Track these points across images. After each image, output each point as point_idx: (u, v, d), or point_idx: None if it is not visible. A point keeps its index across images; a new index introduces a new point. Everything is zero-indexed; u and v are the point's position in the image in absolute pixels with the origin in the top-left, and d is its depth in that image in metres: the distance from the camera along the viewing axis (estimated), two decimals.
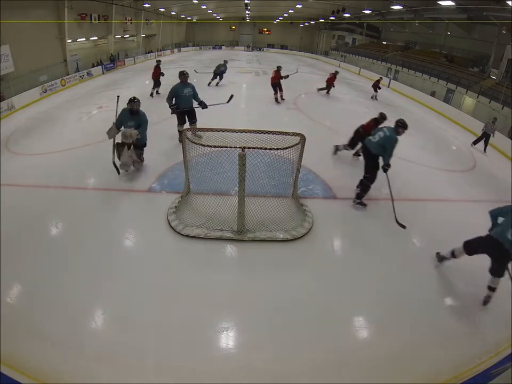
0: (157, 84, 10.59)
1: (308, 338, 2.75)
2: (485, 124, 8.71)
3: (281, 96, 10.46)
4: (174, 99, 6.00)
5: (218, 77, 12.33)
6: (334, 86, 12.07)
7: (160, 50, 27.53)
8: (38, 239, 3.78)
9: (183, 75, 5.97)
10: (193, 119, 6.28)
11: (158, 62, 10.78)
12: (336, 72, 12.00)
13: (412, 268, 3.65)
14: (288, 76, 10.41)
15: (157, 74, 10.48)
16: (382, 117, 5.71)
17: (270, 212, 4.04)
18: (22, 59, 11.70)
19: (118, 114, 4.96)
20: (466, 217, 4.84)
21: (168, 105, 6.07)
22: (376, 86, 12.58)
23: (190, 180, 4.38)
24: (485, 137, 8.39)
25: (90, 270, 3.33)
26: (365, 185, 4.51)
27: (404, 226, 4.13)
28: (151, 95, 10.60)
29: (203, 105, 6.22)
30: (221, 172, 4.23)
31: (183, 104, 6.05)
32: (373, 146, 4.33)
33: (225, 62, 12.50)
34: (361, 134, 5.59)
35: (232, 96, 6.72)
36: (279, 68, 10.12)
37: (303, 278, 3.38)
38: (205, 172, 4.27)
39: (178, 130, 6.35)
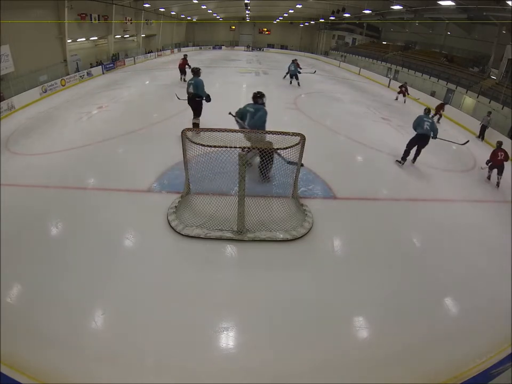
0: (183, 72, 13.02)
1: (308, 338, 2.75)
2: (482, 118, 9.70)
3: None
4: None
5: (294, 77, 13.34)
6: (443, 111, 11.03)
7: (160, 50, 27.51)
8: (38, 239, 3.78)
9: (199, 70, 6.53)
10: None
11: (185, 55, 13.33)
12: (445, 103, 11.21)
13: (412, 267, 3.65)
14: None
15: (184, 65, 12.89)
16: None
17: (270, 212, 4.04)
18: (22, 59, 11.68)
19: (253, 114, 4.70)
20: (465, 217, 4.85)
21: (205, 98, 6.51)
22: (439, 109, 10.85)
23: (190, 179, 4.38)
24: (482, 129, 9.53)
25: (90, 270, 3.33)
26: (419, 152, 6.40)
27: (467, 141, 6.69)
28: (182, 79, 13.02)
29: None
30: (221, 172, 4.23)
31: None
32: (430, 132, 6.12)
33: (294, 61, 13.33)
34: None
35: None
36: (295, 60, 14.00)
37: (303, 278, 3.38)
38: (205, 172, 4.27)
39: (196, 123, 6.69)
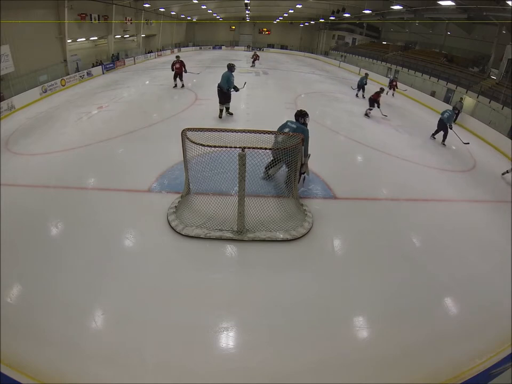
0: (180, 75, 11.70)
1: (308, 338, 2.75)
2: (455, 103, 11.48)
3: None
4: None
5: (361, 89, 12.78)
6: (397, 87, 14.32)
7: (160, 50, 27.51)
8: (38, 239, 3.78)
9: (233, 66, 7.73)
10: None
11: (178, 57, 11.82)
12: (395, 79, 13.98)
13: (411, 267, 3.65)
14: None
15: (181, 68, 11.64)
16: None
17: (270, 212, 4.04)
18: (22, 59, 11.67)
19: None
20: (466, 217, 4.85)
21: (226, 89, 7.71)
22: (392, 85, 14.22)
23: (190, 179, 4.38)
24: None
25: (90, 270, 3.33)
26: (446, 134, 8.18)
27: (467, 143, 8.08)
28: (181, 85, 11.94)
29: (236, 89, 8.03)
30: (221, 172, 4.24)
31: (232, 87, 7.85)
32: (445, 120, 8.08)
33: (366, 75, 12.98)
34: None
35: (245, 83, 8.82)
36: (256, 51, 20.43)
37: (303, 278, 3.38)
38: (205, 172, 4.27)
39: (221, 109, 8.23)
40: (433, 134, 8.48)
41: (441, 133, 8.18)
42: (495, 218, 4.90)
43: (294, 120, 4.76)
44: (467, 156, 7.78)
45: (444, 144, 8.10)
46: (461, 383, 2.42)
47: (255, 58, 20.46)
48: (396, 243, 4.06)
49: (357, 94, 12.95)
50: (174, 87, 11.73)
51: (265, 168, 4.73)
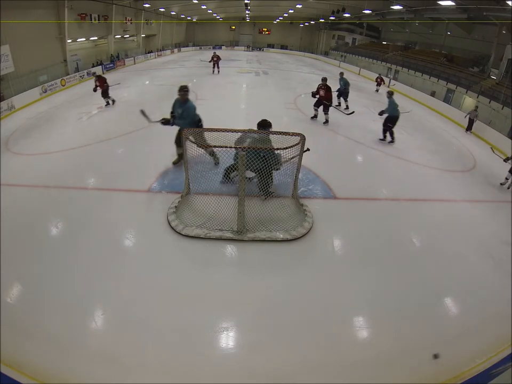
0: (106, 94, 9.74)
1: (308, 338, 2.74)
2: (469, 111, 10.35)
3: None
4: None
5: (344, 96, 10.40)
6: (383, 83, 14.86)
7: (160, 50, 27.53)
8: (38, 239, 3.78)
9: (180, 91, 4.92)
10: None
11: (94, 73, 10.16)
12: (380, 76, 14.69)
13: (412, 267, 3.65)
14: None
15: (103, 85, 9.58)
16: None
17: (270, 211, 4.04)
18: (22, 59, 11.67)
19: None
20: (466, 217, 4.85)
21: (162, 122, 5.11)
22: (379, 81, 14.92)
23: (190, 179, 4.39)
24: (470, 122, 10.34)
25: (90, 270, 3.33)
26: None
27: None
28: (111, 102, 9.98)
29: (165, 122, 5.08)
30: (221, 172, 4.24)
31: (177, 122, 5.09)
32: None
33: (342, 74, 10.71)
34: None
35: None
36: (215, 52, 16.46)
37: (303, 278, 3.38)
38: (205, 172, 4.28)
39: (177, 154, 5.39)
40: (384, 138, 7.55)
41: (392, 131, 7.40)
42: (495, 218, 4.90)
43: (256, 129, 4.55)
44: (467, 156, 7.78)
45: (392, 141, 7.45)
46: (460, 383, 2.42)
47: (216, 60, 15.35)
48: (396, 243, 4.06)
49: (341, 104, 10.33)
50: (106, 105, 9.79)
51: (225, 170, 4.56)
